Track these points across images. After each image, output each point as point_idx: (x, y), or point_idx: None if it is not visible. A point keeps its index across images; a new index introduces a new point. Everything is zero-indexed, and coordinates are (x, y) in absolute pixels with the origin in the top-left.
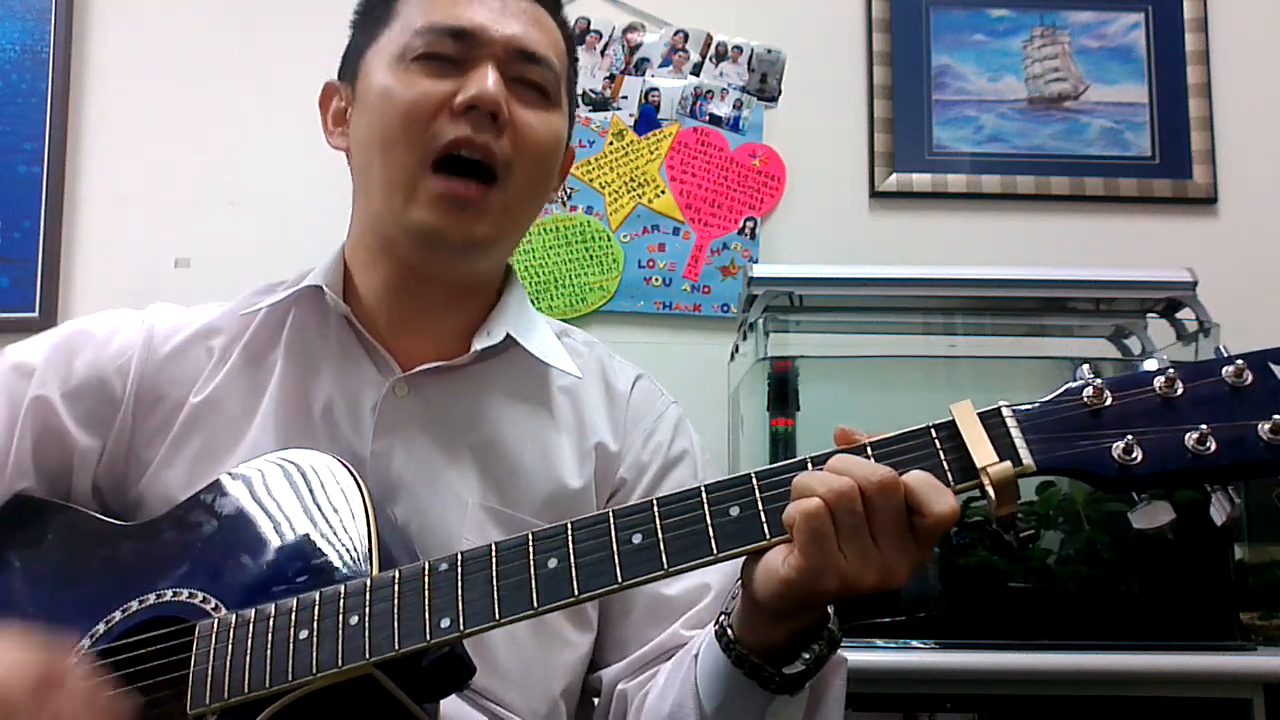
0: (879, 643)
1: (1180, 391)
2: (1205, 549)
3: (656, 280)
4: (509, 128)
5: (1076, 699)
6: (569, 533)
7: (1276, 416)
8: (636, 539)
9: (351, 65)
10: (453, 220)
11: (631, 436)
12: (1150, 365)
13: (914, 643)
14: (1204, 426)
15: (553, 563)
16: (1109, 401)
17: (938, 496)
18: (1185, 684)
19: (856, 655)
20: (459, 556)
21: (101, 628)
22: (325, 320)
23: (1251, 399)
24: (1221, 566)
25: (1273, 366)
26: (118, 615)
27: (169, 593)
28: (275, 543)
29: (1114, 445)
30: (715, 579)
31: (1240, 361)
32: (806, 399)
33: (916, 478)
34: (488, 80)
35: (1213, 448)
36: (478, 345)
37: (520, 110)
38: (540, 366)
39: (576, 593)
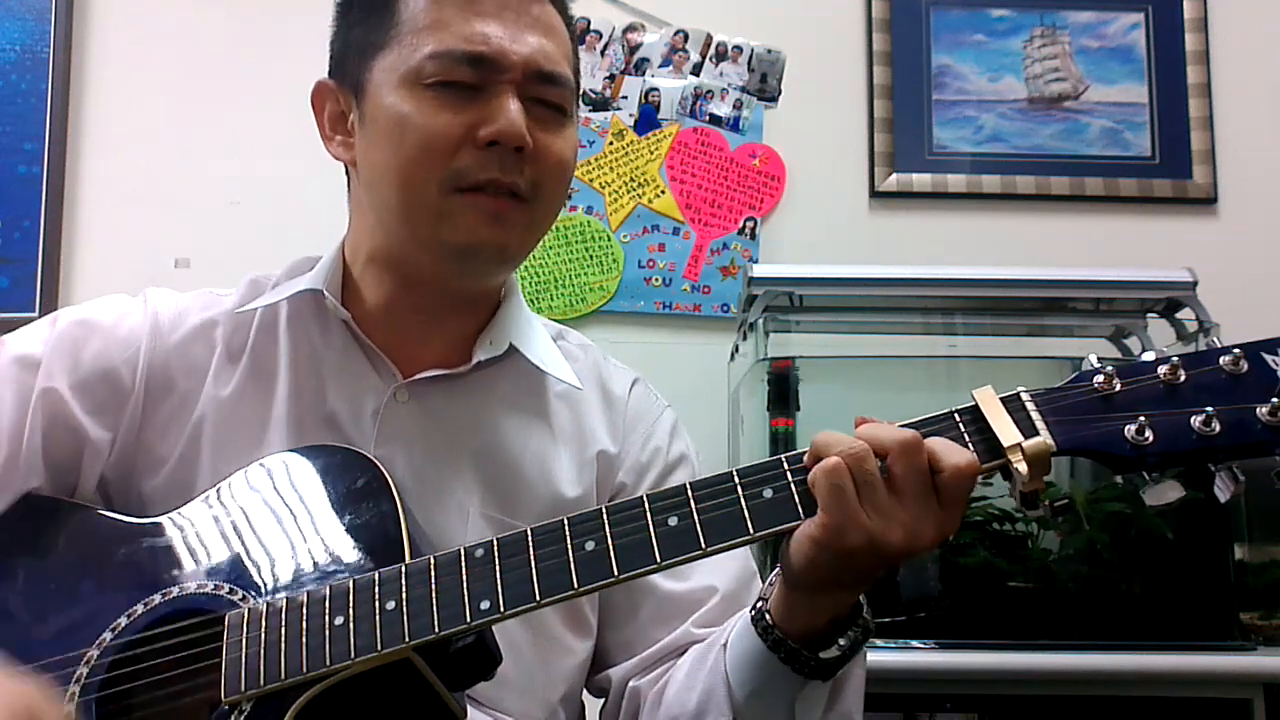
0: (879, 643)
1: (1183, 378)
2: (1205, 549)
3: (656, 280)
4: (532, 155)
5: (1076, 699)
6: (604, 516)
7: (1275, 400)
8: (673, 521)
9: (350, 71)
10: (488, 234)
11: (630, 440)
12: (1150, 355)
13: (914, 643)
14: (1209, 409)
15: (590, 545)
16: (1118, 387)
17: (956, 452)
18: (1185, 684)
19: (867, 653)
20: (494, 542)
21: (124, 621)
22: (325, 323)
23: (1248, 385)
24: (1221, 566)
25: (1265, 356)
26: (140, 609)
27: (192, 585)
28: (303, 534)
29: (1127, 427)
30: (721, 582)
31: (1237, 351)
32: (806, 399)
33: (934, 440)
34: (510, 112)
35: (1217, 429)
36: (480, 355)
37: (541, 135)
38: (539, 374)
39: (616, 573)
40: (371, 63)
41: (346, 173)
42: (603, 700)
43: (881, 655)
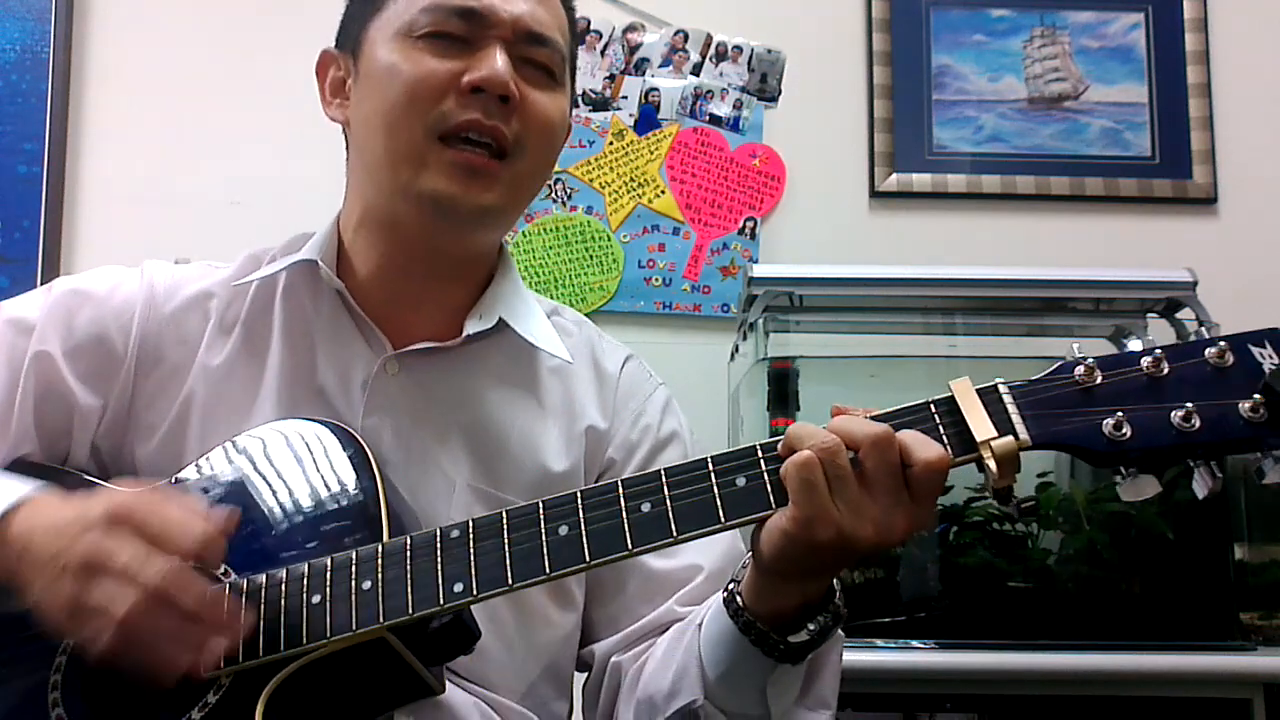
0: (879, 643)
1: (1166, 371)
2: (1205, 549)
3: (656, 280)
4: (518, 108)
5: (1076, 699)
6: (579, 501)
7: (1256, 396)
8: (646, 507)
9: (351, 36)
10: (465, 187)
11: (620, 416)
12: (1135, 345)
13: (914, 643)
14: (1189, 405)
15: (564, 530)
16: (1099, 380)
17: (927, 447)
18: (1185, 684)
19: (857, 655)
20: (470, 523)
21: None
22: (317, 293)
23: (1232, 379)
24: (1221, 566)
25: (1252, 349)
26: None
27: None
28: (284, 509)
29: (1105, 421)
30: (707, 560)
31: (1223, 343)
32: (806, 399)
33: (906, 433)
34: (497, 62)
35: (1197, 425)
36: (470, 329)
37: (529, 91)
38: (530, 349)
39: (588, 559)
40: (369, 23)
41: (346, 141)
42: (586, 674)
43: (881, 655)
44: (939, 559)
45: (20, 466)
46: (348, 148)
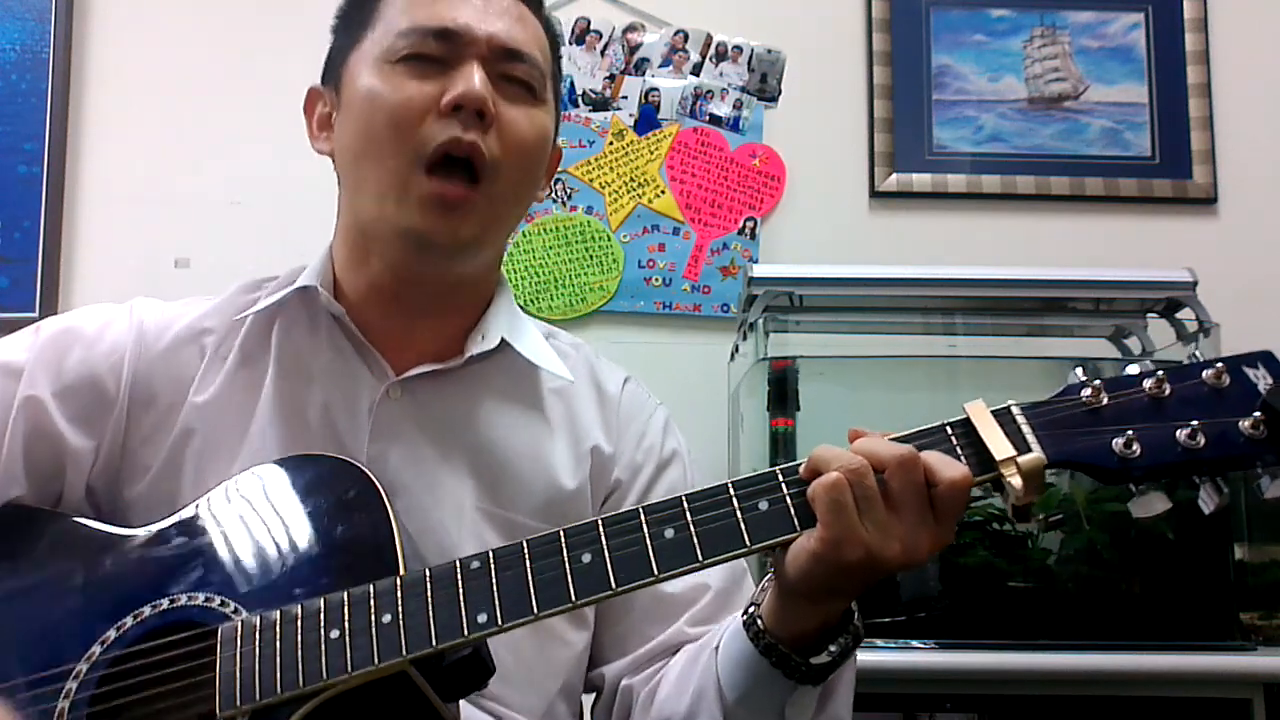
0: (879, 643)
1: (1168, 392)
2: (1205, 549)
3: (656, 280)
4: (496, 125)
5: (1076, 699)
6: (600, 529)
7: (1256, 414)
8: (669, 533)
9: (334, 69)
10: (440, 223)
11: (625, 438)
12: (1134, 369)
13: (914, 643)
14: (1194, 423)
15: (587, 558)
16: (1106, 401)
17: (951, 467)
18: (1185, 684)
19: (857, 655)
20: (490, 554)
21: (113, 634)
22: (316, 320)
23: (1230, 399)
24: (1221, 566)
25: (1246, 370)
26: (129, 621)
27: (183, 597)
28: (294, 545)
29: (1115, 440)
30: (714, 580)
31: (1220, 365)
32: (806, 399)
33: (929, 454)
34: (474, 79)
35: (1201, 442)
36: (472, 350)
37: (507, 108)
38: (532, 369)
39: (614, 586)
40: (350, 56)
41: (337, 175)
42: (595, 696)
43: (881, 655)
44: (939, 559)
45: (11, 510)
46: (338, 178)
